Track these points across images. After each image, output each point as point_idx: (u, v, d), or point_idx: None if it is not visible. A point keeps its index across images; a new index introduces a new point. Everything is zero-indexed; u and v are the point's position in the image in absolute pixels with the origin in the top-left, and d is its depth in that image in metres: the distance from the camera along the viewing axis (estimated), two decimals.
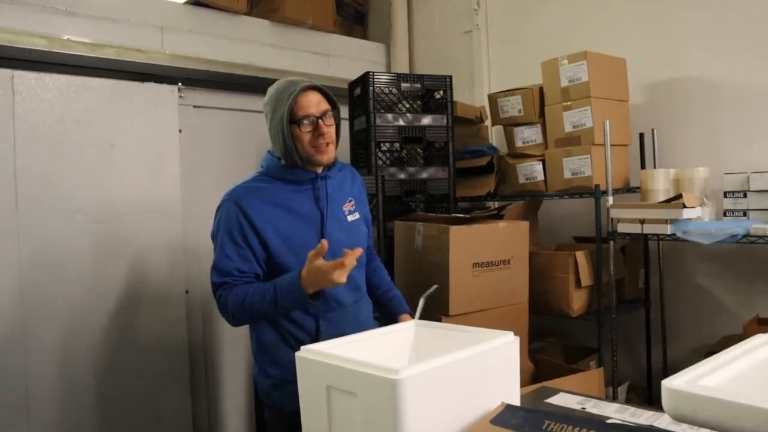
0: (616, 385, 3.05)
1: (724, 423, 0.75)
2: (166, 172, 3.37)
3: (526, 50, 4.08)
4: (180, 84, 3.46)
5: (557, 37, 3.90)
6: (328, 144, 1.87)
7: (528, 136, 3.42)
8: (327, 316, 1.90)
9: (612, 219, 2.98)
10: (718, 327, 3.24)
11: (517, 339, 1.36)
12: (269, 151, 1.97)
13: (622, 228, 2.94)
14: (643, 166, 3.39)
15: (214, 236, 1.92)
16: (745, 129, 3.18)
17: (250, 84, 3.73)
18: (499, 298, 2.76)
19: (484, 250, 2.72)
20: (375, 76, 3.32)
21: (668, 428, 1.41)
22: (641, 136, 3.44)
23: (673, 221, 2.75)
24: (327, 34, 4.42)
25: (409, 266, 2.89)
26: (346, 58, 4.52)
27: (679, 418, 0.79)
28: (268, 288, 1.79)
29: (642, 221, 2.83)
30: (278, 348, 1.90)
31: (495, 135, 4.23)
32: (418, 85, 3.44)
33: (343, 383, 1.19)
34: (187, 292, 3.44)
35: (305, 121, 1.83)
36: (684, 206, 2.69)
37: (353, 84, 3.53)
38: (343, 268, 1.68)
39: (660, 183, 3.02)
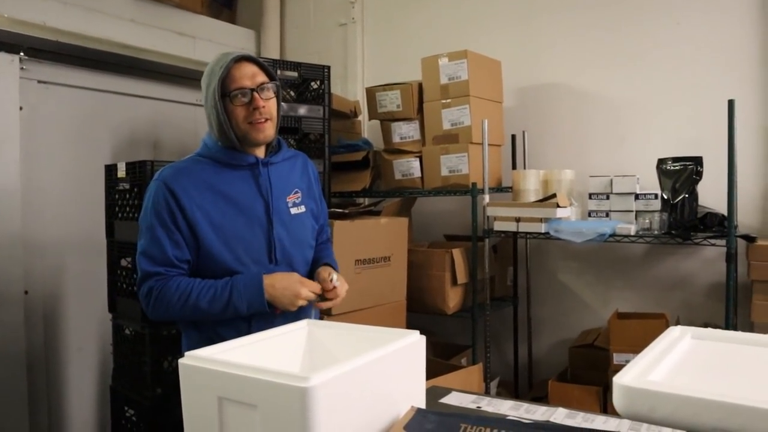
0: (489, 380, 3.10)
1: (683, 419, 0.72)
2: (2, 155, 2.97)
3: (401, 46, 4.08)
4: (22, 54, 3.06)
5: (433, 34, 3.93)
6: (266, 120, 1.67)
7: (406, 132, 3.40)
8: (259, 318, 1.66)
9: (488, 217, 3.03)
10: (578, 321, 3.41)
11: (423, 338, 1.29)
12: (205, 136, 1.76)
13: (497, 226, 2.99)
14: (514, 167, 3.49)
15: (142, 220, 1.69)
16: (609, 134, 3.37)
17: (106, 61, 3.40)
18: (379, 296, 2.71)
19: (367, 246, 2.65)
20: None
21: (564, 422, 1.42)
22: (513, 137, 3.54)
23: (546, 220, 2.84)
24: (194, 14, 4.14)
25: None
26: (214, 42, 4.27)
27: (633, 416, 0.75)
28: (222, 286, 1.61)
29: (517, 220, 2.90)
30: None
31: (369, 130, 4.19)
32: (295, 74, 3.30)
33: (239, 394, 1.05)
34: (26, 292, 3.04)
35: (238, 95, 1.63)
36: (558, 206, 2.78)
37: None
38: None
39: (531, 183, 3.11)
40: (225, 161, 1.69)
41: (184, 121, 4.14)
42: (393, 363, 1.17)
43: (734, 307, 2.93)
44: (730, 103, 2.60)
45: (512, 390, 3.46)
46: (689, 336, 1.04)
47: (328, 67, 3.38)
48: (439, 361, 3.06)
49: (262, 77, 1.67)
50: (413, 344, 1.25)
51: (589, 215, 3.02)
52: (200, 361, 1.12)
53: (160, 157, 4.02)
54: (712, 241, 2.72)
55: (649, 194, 2.91)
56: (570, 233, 2.74)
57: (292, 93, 3.35)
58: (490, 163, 3.10)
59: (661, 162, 2.88)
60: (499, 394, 3.27)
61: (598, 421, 1.41)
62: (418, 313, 3.14)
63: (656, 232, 2.80)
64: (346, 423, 1.04)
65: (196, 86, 4.10)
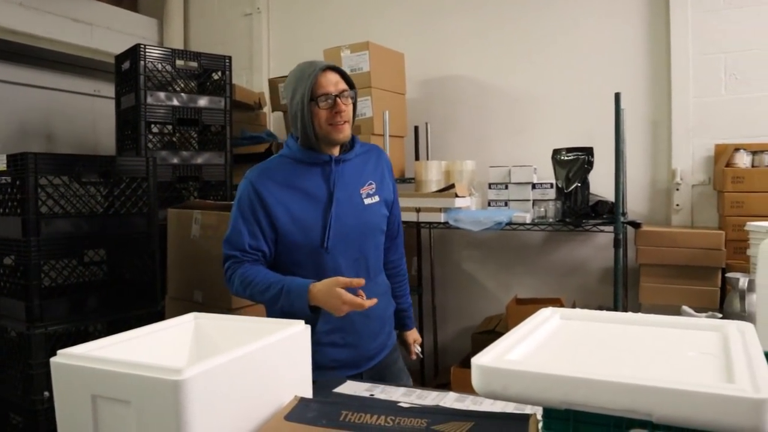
0: None
1: (534, 395, 0.75)
2: None
3: (307, 37, 4.05)
4: None
5: (339, 26, 3.92)
6: (344, 122, 1.87)
7: None
8: None
9: None
10: (482, 308, 3.50)
11: (308, 328, 1.29)
12: (288, 138, 1.96)
13: None
14: (417, 158, 3.54)
15: (231, 212, 1.93)
16: (508, 126, 3.47)
17: None
18: None
19: None
20: (147, 50, 3.03)
21: (453, 406, 1.46)
22: (416, 128, 3.58)
23: (446, 210, 2.89)
24: (91, 0, 3.97)
25: (185, 257, 2.69)
26: (113, 30, 4.11)
27: (489, 394, 0.78)
28: (275, 284, 1.80)
29: (418, 210, 2.94)
30: None
31: (274, 122, 4.14)
32: (195, 64, 3.22)
33: (112, 390, 1.02)
34: None
35: (324, 99, 1.83)
36: (456, 196, 2.84)
37: (121, 57, 3.20)
38: (357, 308, 1.72)
39: (433, 174, 3.16)
40: (304, 160, 1.89)
41: (81, 112, 3.97)
42: (275, 353, 1.16)
43: (624, 289, 3.10)
44: (617, 96, 2.73)
45: (419, 378, 3.52)
46: (558, 316, 1.09)
47: (230, 58, 3.31)
48: None
49: (343, 85, 1.86)
50: (297, 334, 1.24)
51: (489, 204, 3.10)
52: (73, 359, 1.08)
53: (55, 149, 3.83)
54: (602, 227, 2.86)
55: (545, 184, 3.02)
56: (468, 222, 2.81)
57: (193, 84, 3.27)
58: (392, 155, 3.12)
59: (556, 152, 2.99)
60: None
61: (486, 403, 1.45)
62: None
63: (551, 220, 2.92)
64: (223, 415, 1.02)
65: (94, 76, 3.94)
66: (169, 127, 3.20)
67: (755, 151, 2.87)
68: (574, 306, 3.23)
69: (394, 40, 3.51)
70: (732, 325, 0.99)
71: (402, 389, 1.61)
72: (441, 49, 3.66)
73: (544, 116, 3.41)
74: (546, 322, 1.04)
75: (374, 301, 1.76)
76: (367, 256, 1.95)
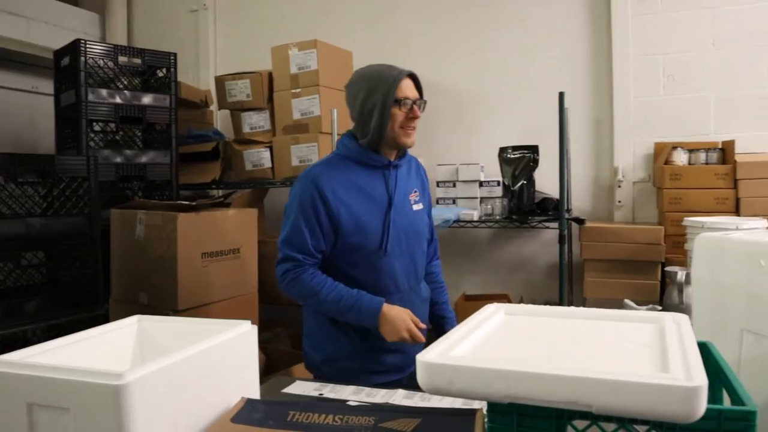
0: None
1: (478, 389, 0.76)
2: None
3: (256, 34, 4.00)
4: None
5: (288, 23, 3.89)
6: (414, 128, 1.91)
7: (256, 121, 3.35)
8: (385, 300, 1.88)
9: None
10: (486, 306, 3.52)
11: (255, 328, 1.27)
12: (347, 134, 1.97)
13: None
14: None
15: (287, 211, 1.92)
16: (456, 124, 3.50)
17: None
18: (229, 289, 2.65)
19: (214, 238, 2.58)
20: (88, 46, 2.95)
21: (402, 403, 1.46)
22: None
23: None
24: None
25: (129, 259, 2.62)
26: (51, 24, 3.98)
27: (435, 390, 0.79)
28: (347, 298, 1.83)
29: None
30: (333, 326, 1.91)
31: (221, 120, 4.08)
32: (138, 60, 3.14)
33: (49, 398, 0.98)
34: None
35: (406, 102, 1.86)
36: None
37: (60, 52, 3.10)
38: (414, 340, 1.81)
39: None
40: (363, 161, 1.90)
41: (18, 109, 3.84)
42: (221, 354, 1.15)
43: (569, 284, 3.17)
44: (561, 96, 2.79)
45: None
46: (503, 312, 1.10)
47: (175, 55, 3.25)
48: (293, 352, 3.06)
49: (416, 93, 1.91)
50: (243, 335, 1.23)
51: (437, 202, 3.13)
52: (6, 366, 1.04)
53: None
54: (548, 224, 2.92)
55: (492, 181, 3.07)
56: None
57: (137, 81, 3.20)
58: None
59: (503, 150, 3.04)
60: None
61: (435, 399, 1.46)
62: (273, 304, 3.10)
63: (498, 217, 2.96)
64: (167, 420, 1.00)
65: (32, 72, 3.80)
66: (112, 125, 3.12)
67: (692, 149, 2.97)
68: (521, 301, 3.29)
69: (343, 38, 3.50)
70: (668, 317, 1.03)
71: (351, 387, 1.61)
72: (389, 47, 3.66)
73: (491, 115, 3.46)
74: (491, 317, 1.06)
75: (423, 340, 1.83)
76: (416, 262, 1.98)
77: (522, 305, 1.14)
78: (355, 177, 1.89)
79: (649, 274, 2.80)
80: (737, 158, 2.83)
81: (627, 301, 2.58)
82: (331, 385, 1.64)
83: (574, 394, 0.72)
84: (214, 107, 3.90)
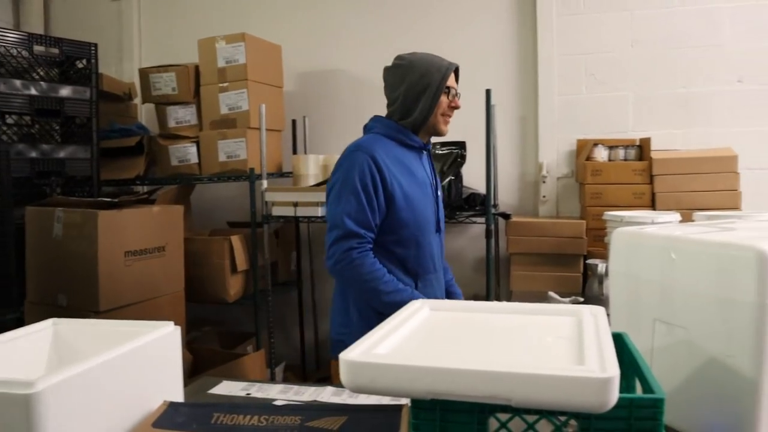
0: (274, 366, 3.11)
1: (401, 387, 0.77)
2: None
3: (183, 26, 3.90)
4: None
5: (215, 16, 3.81)
6: (450, 118, 2.00)
7: (182, 116, 3.26)
8: (424, 278, 1.94)
9: (267, 203, 3.02)
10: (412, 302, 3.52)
11: (178, 329, 1.24)
12: (378, 118, 2.03)
13: (276, 211, 2.99)
14: (295, 152, 3.51)
15: (340, 184, 1.86)
16: None
17: None
18: (154, 288, 2.58)
19: (137, 236, 2.50)
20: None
21: (330, 400, 1.46)
22: (294, 122, 3.55)
23: (323, 204, 2.89)
24: None
25: (47, 259, 2.51)
26: None
27: (358, 389, 0.79)
28: (403, 291, 1.83)
29: (295, 204, 2.92)
30: (381, 317, 1.77)
31: (145, 114, 3.96)
32: (56, 50, 3.00)
33: None
34: None
35: (453, 92, 1.97)
36: None
37: None
38: None
39: (311, 168, 3.15)
40: (404, 140, 1.95)
41: None
42: (142, 357, 1.11)
43: (497, 278, 3.23)
44: (488, 93, 2.84)
45: (300, 373, 3.50)
46: (427, 308, 1.11)
47: (95, 45, 3.13)
48: (221, 351, 3.01)
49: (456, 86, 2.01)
50: (166, 336, 1.19)
51: None
52: None
53: None
54: (475, 219, 2.97)
55: None
56: None
57: (54, 72, 3.06)
58: (270, 149, 3.08)
59: (432, 146, 3.06)
60: (286, 379, 3.30)
61: (363, 396, 1.46)
62: (200, 303, 3.04)
63: None
64: (84, 428, 0.96)
65: None
66: (27, 118, 2.98)
67: (612, 146, 3.08)
68: None
69: (272, 32, 3.45)
70: (586, 310, 1.06)
71: (279, 386, 1.59)
72: (319, 42, 3.64)
73: None
74: (416, 314, 1.06)
75: None
76: (442, 245, 2.07)
77: (446, 301, 1.16)
78: (401, 154, 1.93)
79: (572, 266, 2.89)
80: (653, 155, 2.95)
81: (551, 293, 2.66)
82: (259, 384, 1.62)
83: (494, 389, 0.73)
84: (138, 100, 3.78)
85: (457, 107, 2.01)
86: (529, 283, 2.93)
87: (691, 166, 2.89)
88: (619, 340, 1.08)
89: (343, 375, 0.79)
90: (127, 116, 3.73)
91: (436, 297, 1.92)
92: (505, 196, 3.38)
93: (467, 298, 3.32)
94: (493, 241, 2.88)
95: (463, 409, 0.80)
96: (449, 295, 2.18)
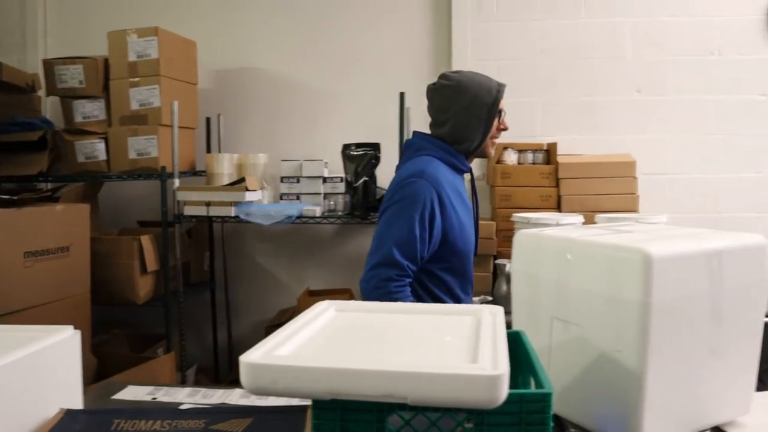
0: (185, 368, 3.04)
1: (301, 388, 0.78)
2: None
3: (92, 17, 3.74)
4: None
5: (127, 8, 3.68)
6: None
7: (89, 110, 3.14)
8: (463, 302, 1.94)
9: (178, 202, 2.96)
10: (276, 302, 3.51)
11: (78, 333, 1.20)
12: (427, 138, 1.96)
13: (188, 211, 2.94)
14: (209, 150, 3.45)
15: (397, 209, 1.82)
16: (301, 120, 3.51)
17: None
18: (58, 290, 2.47)
19: (38, 236, 2.39)
20: None
21: (239, 403, 1.45)
22: (208, 120, 3.49)
23: (236, 204, 2.86)
24: None
25: None
26: None
27: (258, 391, 0.80)
28: None
29: (208, 204, 2.88)
30: None
31: (50, 108, 3.78)
32: None
33: None
34: None
35: (502, 114, 1.93)
36: (247, 189, 2.82)
37: None
38: None
39: (225, 167, 3.11)
40: (456, 165, 1.92)
41: None
42: (37, 364, 1.07)
43: None
44: (401, 95, 2.89)
45: (213, 375, 3.45)
46: (333, 309, 1.13)
47: None
48: (130, 355, 2.92)
49: None
50: (64, 341, 1.16)
51: (281, 198, 3.12)
52: None
53: None
54: None
55: (336, 178, 3.11)
56: (259, 216, 2.81)
57: None
58: (183, 146, 3.02)
59: (346, 147, 3.08)
60: (199, 381, 3.24)
61: (272, 398, 1.46)
62: (107, 305, 2.94)
63: (340, 213, 3.01)
64: None
65: None
66: None
67: (521, 149, 3.20)
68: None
69: (187, 27, 3.37)
70: (486, 310, 1.10)
71: (187, 390, 1.57)
72: (235, 39, 3.59)
73: (336, 111, 3.50)
74: (321, 315, 1.08)
75: None
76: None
77: (352, 302, 1.18)
78: (453, 180, 1.91)
79: (483, 266, 2.97)
80: (559, 159, 3.08)
81: None
82: (166, 387, 1.59)
83: (390, 388, 0.75)
84: (42, 93, 3.60)
85: (505, 129, 1.97)
86: None
87: (593, 171, 3.04)
88: (517, 339, 1.13)
89: (243, 377, 0.79)
90: (30, 109, 3.55)
91: None
92: None
93: None
94: None
95: (362, 408, 0.82)
96: None
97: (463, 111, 1.89)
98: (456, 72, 1.97)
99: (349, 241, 3.50)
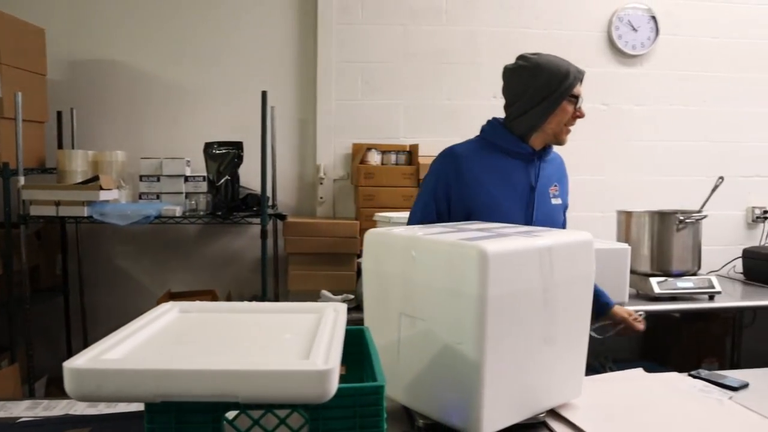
0: (33, 380, 2.85)
1: (128, 392, 0.76)
2: None
3: None
4: None
5: None
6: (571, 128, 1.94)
7: None
8: None
9: (24, 201, 2.77)
10: (136, 306, 3.32)
11: None
12: (493, 120, 1.97)
13: (35, 211, 2.75)
14: (60, 146, 3.25)
15: (423, 184, 1.97)
16: (162, 117, 3.39)
17: None
18: None
19: None
20: None
21: (85, 412, 1.39)
22: (59, 114, 3.28)
23: (89, 203, 2.72)
24: None
25: None
26: None
27: (84, 398, 0.77)
28: None
29: (57, 203, 2.71)
30: None
31: None
32: None
33: None
34: None
35: (577, 101, 1.88)
36: (101, 188, 2.69)
37: None
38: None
39: (78, 164, 2.94)
40: (508, 148, 1.91)
41: None
42: None
43: (276, 278, 3.28)
44: (264, 94, 2.87)
45: (59, 383, 3.24)
46: (177, 310, 1.11)
47: None
48: None
49: None
50: None
51: (141, 197, 3.01)
52: None
53: None
54: (251, 219, 2.98)
55: (198, 176, 3.04)
56: (115, 216, 2.69)
57: None
58: (29, 142, 2.83)
59: (208, 146, 3.02)
60: (50, 393, 3.06)
61: (121, 405, 1.41)
62: None
63: (201, 213, 2.94)
64: None
65: None
66: None
67: (384, 150, 3.27)
68: (229, 296, 3.31)
69: (33, 12, 3.16)
70: (330, 307, 1.13)
71: (27, 402, 1.48)
72: (91, 29, 3.39)
73: (199, 109, 3.41)
74: (162, 316, 1.06)
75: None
76: None
77: (198, 302, 1.16)
78: (496, 161, 1.91)
79: (347, 265, 3.01)
80: (420, 160, 3.18)
81: (324, 291, 2.75)
82: (2, 402, 1.49)
83: (220, 388, 0.76)
84: None
85: (581, 116, 1.91)
86: (306, 283, 2.99)
87: None
88: (360, 335, 1.17)
89: (67, 384, 0.76)
90: None
91: None
92: (285, 197, 3.43)
93: (247, 299, 3.32)
94: (270, 241, 2.92)
95: (196, 409, 0.82)
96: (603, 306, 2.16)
97: (535, 92, 1.87)
98: (535, 54, 1.92)
99: (212, 241, 3.42)
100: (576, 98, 1.89)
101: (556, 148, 2.02)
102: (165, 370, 0.75)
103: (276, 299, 3.27)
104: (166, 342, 0.94)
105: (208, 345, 0.95)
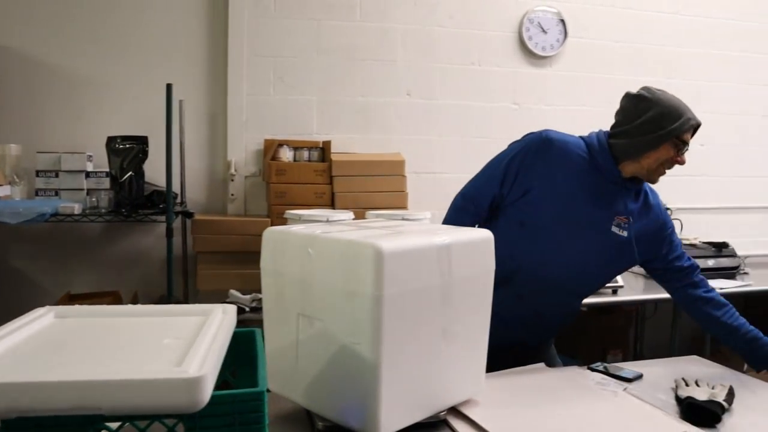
0: None
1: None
2: None
3: None
4: None
5: None
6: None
7: None
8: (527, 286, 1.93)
9: None
10: (35, 308, 3.18)
11: None
12: (602, 131, 1.96)
13: None
14: None
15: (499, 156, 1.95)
16: (61, 109, 3.21)
17: None
18: None
19: None
20: None
21: None
22: None
23: None
24: None
25: None
26: None
27: None
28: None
29: None
30: None
31: None
32: None
33: None
34: None
35: (683, 146, 1.86)
36: None
37: None
38: None
39: None
40: (597, 163, 1.89)
41: None
42: None
43: (185, 277, 3.17)
44: (168, 87, 2.77)
45: None
46: (52, 315, 1.04)
47: None
48: None
49: None
50: None
51: (37, 194, 2.85)
52: None
53: None
54: (157, 217, 2.87)
55: (101, 172, 2.91)
56: (6, 214, 2.53)
57: None
58: None
59: (111, 140, 2.89)
60: None
61: None
62: None
63: (103, 210, 2.81)
64: None
65: None
66: None
67: (296, 146, 3.22)
68: (135, 297, 3.18)
69: None
70: (219, 309, 1.09)
71: None
72: None
73: (102, 101, 3.25)
74: (34, 322, 0.99)
75: None
76: (584, 272, 1.99)
77: (77, 306, 1.10)
78: (578, 167, 1.89)
79: (258, 264, 2.94)
80: (333, 157, 3.15)
81: (232, 291, 2.69)
82: None
83: (80, 399, 0.71)
84: None
85: (681, 163, 1.88)
86: (216, 282, 2.92)
87: (365, 169, 3.16)
88: (251, 337, 1.13)
89: None
90: None
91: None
92: (194, 194, 3.33)
93: (154, 301, 3.20)
94: (179, 240, 2.82)
95: (60, 424, 0.76)
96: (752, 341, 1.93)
97: (642, 122, 1.87)
98: (660, 90, 1.92)
99: (118, 239, 3.28)
100: (682, 144, 1.88)
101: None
102: (20, 383, 0.69)
103: (185, 299, 3.17)
104: (31, 350, 0.87)
105: (76, 353, 0.89)
